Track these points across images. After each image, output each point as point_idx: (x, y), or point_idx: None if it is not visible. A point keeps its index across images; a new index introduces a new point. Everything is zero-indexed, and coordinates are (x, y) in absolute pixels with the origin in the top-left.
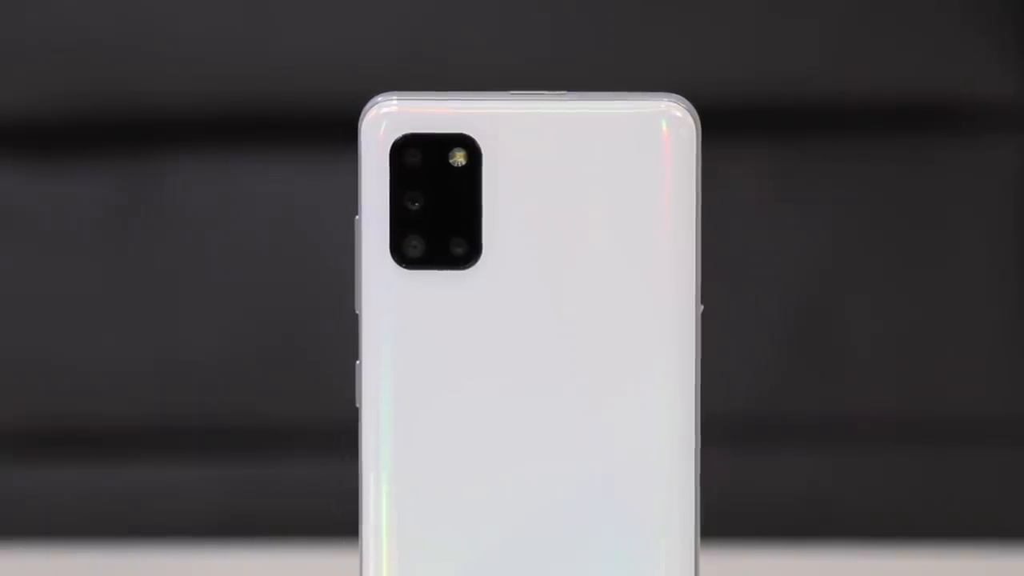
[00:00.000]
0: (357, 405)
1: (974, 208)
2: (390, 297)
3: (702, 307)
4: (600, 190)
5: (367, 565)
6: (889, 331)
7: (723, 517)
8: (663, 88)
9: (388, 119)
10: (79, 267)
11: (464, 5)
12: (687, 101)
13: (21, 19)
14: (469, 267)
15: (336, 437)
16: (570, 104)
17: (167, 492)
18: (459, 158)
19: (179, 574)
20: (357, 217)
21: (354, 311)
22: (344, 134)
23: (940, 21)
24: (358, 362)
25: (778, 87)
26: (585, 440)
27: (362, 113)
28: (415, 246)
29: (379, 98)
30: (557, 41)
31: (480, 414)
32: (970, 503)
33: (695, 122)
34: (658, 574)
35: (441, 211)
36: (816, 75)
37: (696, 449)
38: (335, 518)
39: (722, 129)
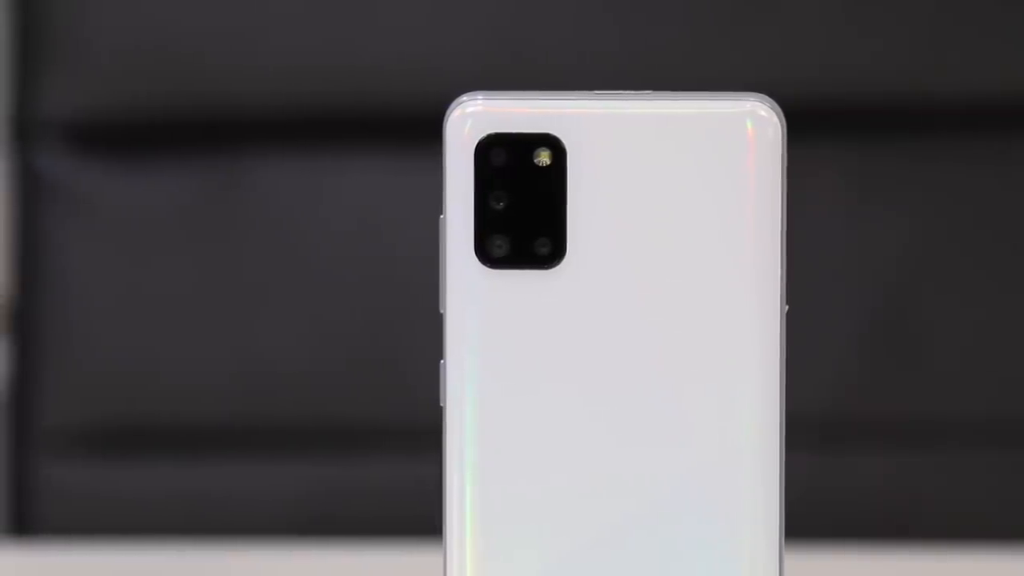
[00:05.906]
0: (441, 405)
1: None
2: (474, 297)
3: (787, 307)
4: (685, 190)
5: (451, 564)
6: (969, 331)
7: (805, 517)
8: (748, 88)
9: (473, 118)
10: (162, 266)
11: (547, 6)
12: (772, 101)
13: (108, 20)
14: (553, 267)
15: (419, 437)
16: (655, 104)
17: (249, 492)
18: (544, 158)
19: (261, 573)
20: (441, 217)
21: (438, 310)
22: (428, 133)
23: None
24: (442, 361)
25: (862, 88)
26: (670, 440)
27: (447, 113)
28: (500, 245)
29: (464, 98)
30: (640, 41)
31: (564, 414)
32: None
33: (781, 122)
34: (743, 574)
35: (526, 211)
36: (902, 76)
37: (781, 449)
38: (418, 517)
39: (805, 130)
